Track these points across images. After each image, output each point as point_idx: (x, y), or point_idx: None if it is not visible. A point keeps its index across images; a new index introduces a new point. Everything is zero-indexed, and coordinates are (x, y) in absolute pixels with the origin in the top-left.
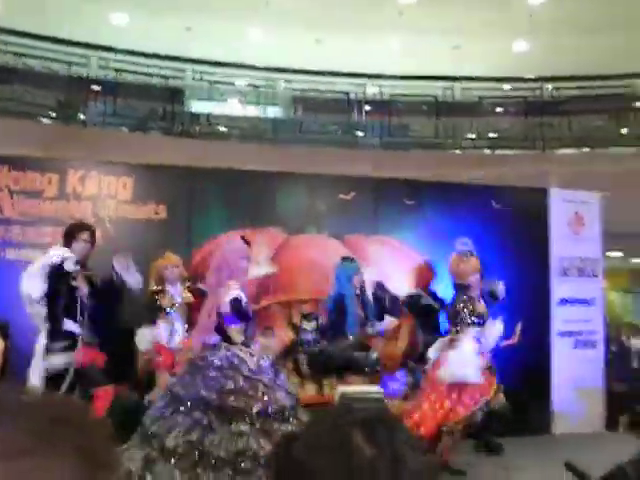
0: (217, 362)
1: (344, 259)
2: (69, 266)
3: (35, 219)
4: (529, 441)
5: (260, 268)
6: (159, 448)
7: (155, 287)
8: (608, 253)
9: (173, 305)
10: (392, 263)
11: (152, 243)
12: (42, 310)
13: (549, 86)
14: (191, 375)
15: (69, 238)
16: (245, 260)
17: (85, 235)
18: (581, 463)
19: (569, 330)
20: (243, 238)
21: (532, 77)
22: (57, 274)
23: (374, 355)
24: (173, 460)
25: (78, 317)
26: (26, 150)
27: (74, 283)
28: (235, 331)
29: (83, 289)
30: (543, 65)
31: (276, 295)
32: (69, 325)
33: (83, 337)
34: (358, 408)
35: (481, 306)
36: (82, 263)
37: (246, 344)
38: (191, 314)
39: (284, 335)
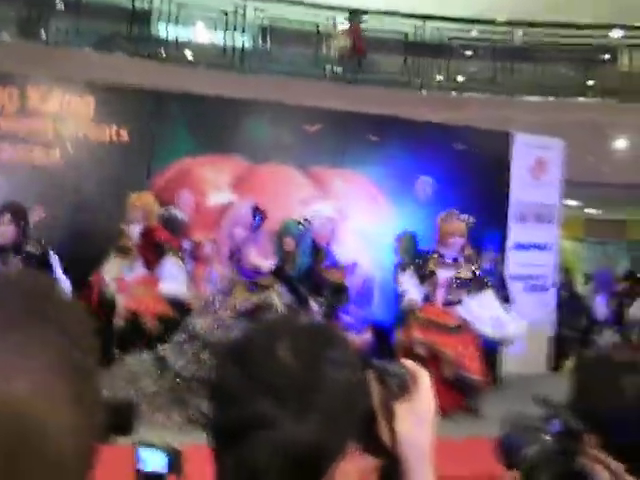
0: None
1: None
2: None
3: None
4: None
5: (220, 195)
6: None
7: (124, 225)
8: (565, 201)
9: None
10: (353, 198)
11: (112, 166)
12: None
13: (520, 32)
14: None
15: None
16: (245, 229)
17: (5, 218)
18: (525, 403)
19: (522, 273)
20: (254, 209)
21: (503, 21)
22: None
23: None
24: None
25: None
26: None
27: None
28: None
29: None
30: (515, 9)
31: None
32: None
33: None
34: (293, 319)
35: (462, 272)
36: (12, 245)
37: None
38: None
39: None
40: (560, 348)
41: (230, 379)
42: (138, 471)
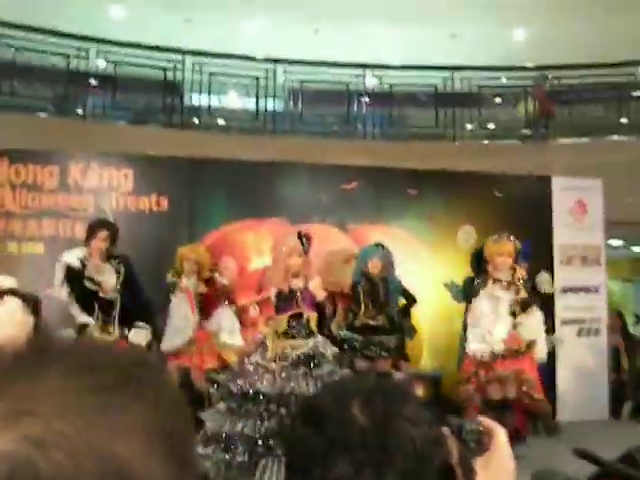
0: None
1: (375, 244)
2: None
3: (36, 212)
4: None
5: (262, 259)
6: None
7: (170, 277)
8: (609, 241)
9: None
10: (395, 252)
11: (155, 235)
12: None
13: (549, 75)
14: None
15: (88, 236)
16: (297, 257)
17: (103, 234)
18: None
19: (573, 318)
20: (299, 234)
21: (531, 66)
22: (71, 273)
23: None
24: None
25: (96, 310)
26: (26, 144)
27: (87, 281)
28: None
29: (106, 283)
30: (542, 53)
31: None
32: (83, 318)
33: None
34: (364, 378)
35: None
36: (105, 258)
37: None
38: (203, 304)
39: None
40: (618, 393)
41: (306, 441)
42: None
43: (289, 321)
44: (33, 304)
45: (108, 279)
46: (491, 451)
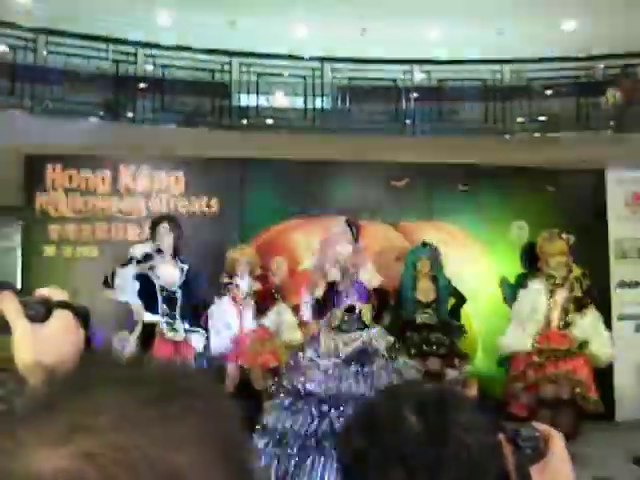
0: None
1: (423, 244)
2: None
3: (89, 216)
4: (591, 427)
5: (313, 257)
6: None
7: (226, 279)
8: None
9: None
10: (447, 248)
11: (206, 236)
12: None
13: (601, 65)
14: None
15: (151, 232)
16: (347, 244)
17: (165, 226)
18: None
19: (630, 313)
20: (348, 222)
21: (582, 56)
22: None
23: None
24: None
25: (160, 306)
26: (78, 149)
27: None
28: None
29: (168, 279)
30: (593, 43)
31: None
32: (148, 316)
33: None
34: (418, 384)
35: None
36: (171, 251)
37: None
38: (259, 301)
39: None
40: None
41: (362, 452)
42: None
43: (342, 315)
44: (84, 317)
45: (171, 272)
46: (548, 457)
